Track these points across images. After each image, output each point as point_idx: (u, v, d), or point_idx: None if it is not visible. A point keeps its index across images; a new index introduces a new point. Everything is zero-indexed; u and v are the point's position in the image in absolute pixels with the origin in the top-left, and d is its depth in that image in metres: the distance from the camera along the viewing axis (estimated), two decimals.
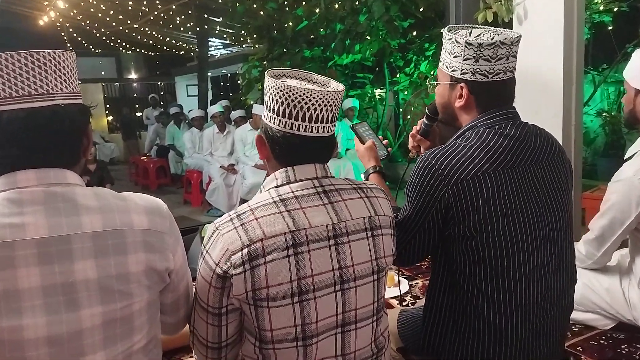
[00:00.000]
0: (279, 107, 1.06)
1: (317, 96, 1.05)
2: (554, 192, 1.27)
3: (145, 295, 0.96)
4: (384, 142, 1.66)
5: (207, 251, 1.05)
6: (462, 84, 1.28)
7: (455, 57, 1.27)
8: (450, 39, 1.27)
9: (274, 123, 1.08)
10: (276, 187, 1.07)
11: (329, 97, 1.06)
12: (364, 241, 1.08)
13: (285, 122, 1.06)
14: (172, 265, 1.02)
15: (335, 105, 1.09)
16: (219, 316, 1.07)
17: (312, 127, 1.06)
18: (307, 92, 1.04)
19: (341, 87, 1.13)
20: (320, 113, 1.07)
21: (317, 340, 1.04)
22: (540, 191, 1.25)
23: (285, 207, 1.04)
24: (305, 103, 1.05)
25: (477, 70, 1.24)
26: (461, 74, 1.26)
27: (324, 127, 1.08)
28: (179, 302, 1.13)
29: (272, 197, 1.05)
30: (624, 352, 1.82)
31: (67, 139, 0.95)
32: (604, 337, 1.92)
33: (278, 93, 1.06)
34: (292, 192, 1.06)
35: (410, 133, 1.65)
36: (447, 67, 1.31)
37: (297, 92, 1.04)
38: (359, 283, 1.07)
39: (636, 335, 1.90)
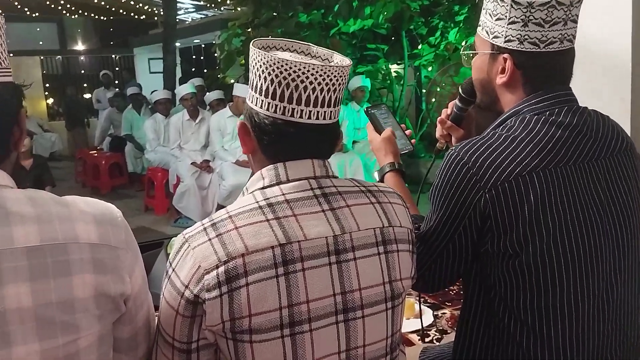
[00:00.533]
0: (267, 86, 1.06)
1: (317, 72, 1.05)
2: (620, 196, 1.26)
3: (94, 327, 0.94)
4: (407, 132, 1.66)
5: (173, 269, 1.04)
6: (505, 55, 1.26)
7: (498, 19, 1.26)
8: None
9: (261, 107, 1.08)
10: (263, 188, 1.07)
11: (332, 73, 1.06)
12: (374, 258, 1.08)
13: (276, 106, 1.06)
14: (128, 289, 1.01)
15: (340, 84, 1.09)
16: (188, 353, 1.06)
17: (311, 112, 1.06)
18: (305, 68, 1.04)
19: (347, 61, 1.12)
20: (321, 94, 1.06)
21: None
22: (603, 195, 1.24)
23: (273, 214, 1.03)
24: (302, 81, 1.04)
25: (526, 37, 1.23)
26: (505, 42, 1.25)
27: (325, 111, 1.08)
28: (137, 337, 1.12)
29: (258, 201, 1.05)
30: None
31: None
32: None
33: (267, 69, 1.05)
34: (283, 194, 1.06)
35: (439, 119, 1.64)
36: (487, 32, 1.30)
37: (291, 68, 1.04)
38: (367, 312, 1.06)
39: None
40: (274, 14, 6.97)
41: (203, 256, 1.00)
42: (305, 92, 1.05)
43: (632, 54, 2.57)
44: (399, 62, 7.30)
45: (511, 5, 1.22)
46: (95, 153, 8.26)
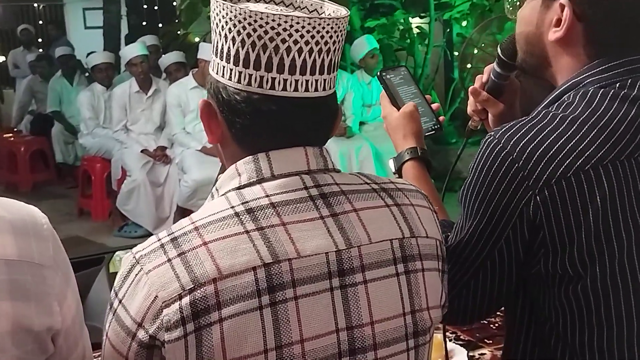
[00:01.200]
0: (237, 50, 1.05)
1: (304, 28, 1.03)
2: None
3: None
4: (434, 105, 1.66)
5: (120, 302, 1.03)
6: (563, 1, 1.24)
7: None
8: None
9: (230, 78, 1.07)
10: (239, 188, 1.06)
11: (324, 28, 1.05)
12: (391, 281, 1.07)
13: (250, 76, 1.05)
14: (57, 322, 1.01)
15: (334, 42, 1.08)
16: None
17: (297, 81, 1.05)
18: (287, 23, 1.03)
19: (343, 11, 1.10)
20: (310, 57, 1.05)
21: None
22: None
23: (255, 224, 1.02)
24: (284, 41, 1.03)
25: None
26: None
27: (317, 80, 1.07)
28: None
29: (233, 206, 1.04)
30: None
31: None
32: None
33: (235, 26, 1.04)
34: (267, 196, 1.05)
35: (471, 88, 1.63)
36: None
37: (268, 24, 1.03)
38: (381, 355, 1.06)
39: None
40: None
41: (161, 283, 0.99)
42: (288, 56, 1.04)
43: None
44: (422, 14, 7.32)
45: None
46: (11, 137, 8.26)
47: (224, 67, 1.07)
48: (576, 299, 1.21)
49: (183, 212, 5.62)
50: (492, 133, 1.24)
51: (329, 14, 1.10)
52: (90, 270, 2.66)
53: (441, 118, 1.66)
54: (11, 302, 0.95)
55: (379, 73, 1.68)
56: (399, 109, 1.59)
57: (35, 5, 15.69)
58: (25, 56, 9.87)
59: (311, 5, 1.13)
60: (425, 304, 1.11)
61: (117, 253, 2.77)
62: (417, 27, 7.52)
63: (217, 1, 1.07)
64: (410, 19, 7.43)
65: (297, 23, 1.03)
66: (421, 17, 7.43)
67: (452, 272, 1.26)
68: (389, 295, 1.07)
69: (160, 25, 11.62)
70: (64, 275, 1.04)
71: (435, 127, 1.63)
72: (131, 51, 6.41)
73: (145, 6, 13.76)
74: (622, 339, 1.21)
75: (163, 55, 6.66)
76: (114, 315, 1.03)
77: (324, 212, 1.06)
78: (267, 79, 1.04)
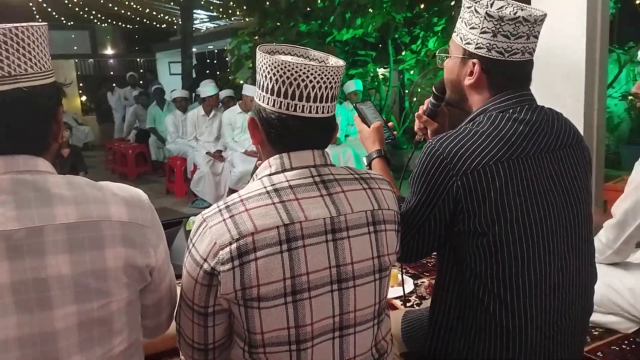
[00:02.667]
0: (273, 85, 1.05)
1: (316, 72, 1.04)
2: (571, 183, 1.27)
3: (124, 294, 0.95)
4: (389, 124, 1.65)
5: (193, 245, 1.04)
6: (474, 60, 1.27)
7: (472, 28, 1.26)
8: (469, 7, 1.26)
9: (268, 104, 1.07)
10: (269, 175, 1.07)
11: (329, 73, 1.06)
12: (365, 237, 1.08)
13: (281, 102, 1.05)
14: (153, 261, 1.01)
15: (335, 82, 1.08)
16: (205, 316, 1.07)
17: (311, 107, 1.06)
18: (305, 68, 1.04)
19: (341, 62, 1.12)
20: (319, 91, 1.06)
21: (312, 344, 1.04)
22: (557, 182, 1.25)
23: (279, 198, 1.03)
24: (303, 80, 1.04)
25: (494, 46, 1.23)
26: (475, 49, 1.26)
27: (323, 106, 1.07)
28: (161, 304, 1.12)
29: (265, 187, 1.05)
30: None
31: (34, 125, 0.94)
32: (626, 342, 1.94)
33: (272, 70, 1.05)
34: (287, 181, 1.05)
35: (416, 114, 1.63)
36: (461, 38, 1.29)
37: (293, 69, 1.03)
38: (358, 283, 1.07)
39: None
40: (278, 24, 6.91)
41: (218, 234, 1.00)
42: (306, 90, 1.05)
43: (585, 63, 2.58)
44: (385, 66, 7.27)
45: (485, 17, 1.22)
46: (123, 144, 8.22)
47: (264, 96, 1.07)
48: (483, 247, 1.21)
49: (232, 192, 5.63)
50: (431, 141, 1.24)
51: (332, 64, 1.11)
52: (174, 229, 2.68)
53: (395, 132, 1.66)
54: (124, 249, 0.95)
55: (355, 104, 1.69)
56: (369, 126, 1.59)
57: (138, 59, 15.61)
58: (131, 92, 9.83)
59: (320, 57, 1.14)
60: (386, 252, 1.11)
61: (190, 218, 2.78)
62: (382, 74, 7.48)
63: (261, 54, 1.07)
64: (377, 69, 7.39)
65: (312, 68, 1.04)
66: (385, 68, 7.38)
67: (404, 229, 1.25)
68: (363, 246, 1.07)
69: (217, 72, 11.57)
70: (158, 233, 1.04)
71: (391, 137, 1.63)
72: (206, 90, 6.28)
73: (208, 60, 13.69)
74: (512, 272, 1.21)
75: (220, 92, 6.58)
76: (189, 253, 1.05)
77: (323, 192, 1.06)
78: (292, 104, 1.05)
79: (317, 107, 1.06)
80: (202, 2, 9.97)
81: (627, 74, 6.04)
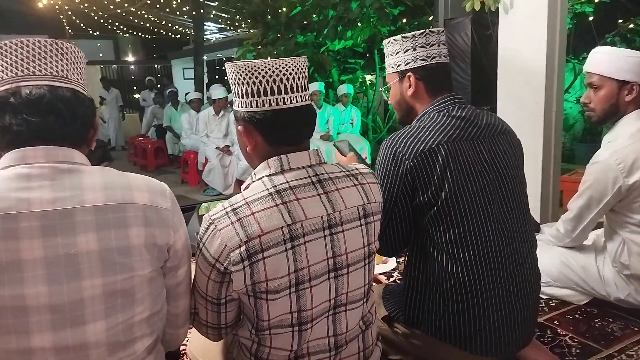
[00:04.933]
0: (257, 88, 1.02)
1: (288, 66, 1.03)
2: (501, 164, 1.35)
3: (146, 269, 0.95)
4: (363, 156, 1.71)
5: (203, 244, 1.01)
6: (409, 73, 1.40)
7: (396, 54, 1.41)
8: (388, 42, 1.43)
9: (257, 106, 1.03)
10: (269, 175, 1.03)
11: (293, 64, 1.04)
12: (357, 229, 1.07)
13: (265, 100, 1.02)
14: (171, 241, 0.99)
15: (302, 72, 1.06)
16: (218, 305, 1.06)
17: (290, 97, 1.03)
18: (273, 65, 1.02)
19: (303, 58, 1.09)
20: (295, 82, 1.04)
21: (312, 325, 1.05)
22: (489, 161, 1.33)
23: (281, 200, 1.00)
24: (277, 75, 1.02)
25: (417, 57, 1.39)
26: (405, 65, 1.40)
27: (299, 95, 1.04)
28: (179, 289, 1.08)
29: (267, 189, 1.01)
30: (597, 325, 1.86)
31: (78, 123, 0.96)
32: (579, 312, 1.96)
33: (252, 74, 1.02)
34: (287, 182, 1.02)
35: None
36: (392, 67, 1.44)
37: (271, 67, 1.02)
38: (351, 269, 1.06)
39: (609, 310, 1.94)
40: (278, 35, 6.86)
41: (228, 237, 0.97)
42: (282, 84, 1.03)
43: (546, 67, 2.58)
44: (372, 73, 7.24)
45: (401, 41, 1.40)
46: (142, 139, 8.14)
47: (250, 101, 1.05)
48: (435, 215, 1.28)
49: (238, 182, 5.61)
50: (386, 139, 1.35)
51: (293, 58, 1.06)
52: (188, 214, 2.66)
53: (368, 162, 1.70)
54: (145, 228, 0.94)
55: (333, 143, 1.75)
56: (345, 156, 1.65)
57: (155, 65, 15.49)
58: (150, 94, 9.74)
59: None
60: (374, 239, 1.11)
61: (202, 204, 2.77)
62: (369, 80, 7.44)
63: (233, 66, 1.05)
64: (365, 75, 7.36)
65: (278, 63, 1.03)
66: (371, 75, 7.35)
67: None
68: (356, 237, 1.06)
69: (225, 78, 11.50)
70: (177, 218, 1.02)
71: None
72: (217, 93, 6.19)
73: (217, 67, 13.58)
74: (459, 234, 1.28)
75: (229, 94, 6.49)
76: (200, 252, 1.02)
77: (320, 191, 1.04)
78: (275, 99, 1.03)
79: (295, 96, 1.04)
80: (212, 16, 9.88)
81: (581, 81, 6.05)
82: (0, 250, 0.83)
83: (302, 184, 1.03)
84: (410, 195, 1.29)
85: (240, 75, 1.04)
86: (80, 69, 0.99)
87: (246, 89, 1.04)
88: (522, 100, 2.57)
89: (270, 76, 1.02)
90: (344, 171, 1.10)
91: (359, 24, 6.03)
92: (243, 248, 0.96)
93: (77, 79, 0.98)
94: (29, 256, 0.84)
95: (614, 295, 1.85)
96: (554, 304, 2.02)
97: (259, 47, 6.94)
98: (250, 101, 1.04)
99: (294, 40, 6.67)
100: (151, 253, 0.96)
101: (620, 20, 5.58)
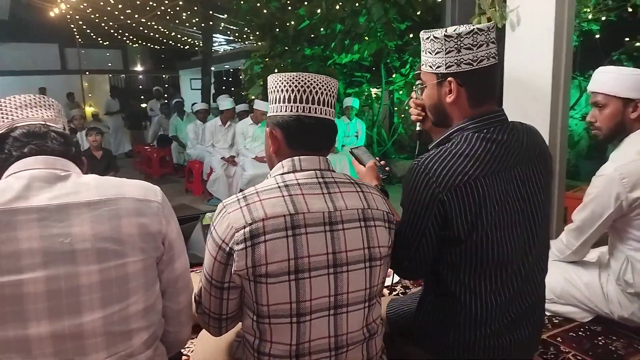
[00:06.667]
0: (289, 95, 1.13)
1: (322, 81, 1.15)
2: (535, 192, 1.28)
3: (139, 256, 0.99)
4: (382, 162, 1.60)
5: (214, 227, 1.09)
6: (450, 78, 1.23)
7: (437, 53, 1.23)
8: (427, 38, 1.24)
9: (286, 111, 1.14)
10: (282, 174, 1.11)
11: (330, 83, 1.16)
12: (357, 230, 1.10)
13: (297, 107, 1.13)
14: (164, 230, 1.05)
15: (334, 92, 1.18)
16: (221, 290, 1.10)
17: (320, 109, 1.14)
18: (314, 78, 1.14)
19: (335, 80, 1.20)
20: (325, 97, 1.15)
21: (310, 318, 1.07)
22: (522, 193, 1.25)
23: (287, 192, 1.07)
24: (314, 87, 1.13)
25: (462, 60, 1.20)
26: (447, 68, 1.22)
27: (327, 110, 1.15)
28: (178, 284, 1.13)
29: (278, 183, 1.09)
30: (600, 343, 1.85)
31: (73, 149, 1.09)
32: (582, 329, 1.95)
33: (288, 82, 1.14)
34: (297, 179, 1.10)
35: (412, 101, 1.60)
36: (430, 66, 1.26)
37: (306, 79, 1.14)
38: (351, 268, 1.09)
39: (612, 328, 1.92)
40: (286, 48, 6.94)
41: (235, 219, 1.05)
42: (316, 95, 1.14)
43: (551, 84, 2.59)
44: (378, 86, 7.28)
45: (444, 39, 1.21)
46: (148, 148, 8.19)
47: (282, 106, 1.15)
48: (462, 251, 1.22)
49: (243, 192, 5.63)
50: (416, 162, 1.23)
51: (331, 78, 1.18)
52: (192, 223, 2.66)
53: (387, 169, 1.59)
54: (137, 218, 1.00)
55: (350, 149, 1.65)
56: (364, 165, 1.56)
57: (163, 75, 15.62)
58: (157, 104, 9.82)
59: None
60: (376, 244, 1.12)
61: (207, 214, 2.77)
62: (375, 93, 7.48)
63: (276, 76, 1.17)
64: (371, 89, 7.40)
65: (319, 78, 1.16)
66: (377, 88, 7.40)
67: (403, 246, 1.24)
68: (355, 237, 1.10)
69: (232, 89, 11.58)
70: (169, 212, 1.09)
71: (386, 175, 1.57)
72: (225, 104, 6.24)
73: (224, 78, 13.69)
74: (483, 270, 1.23)
75: (237, 106, 6.53)
76: (210, 235, 1.09)
77: (325, 191, 1.10)
78: (306, 107, 1.13)
79: (324, 110, 1.14)
80: (221, 28, 9.98)
81: (586, 98, 6.06)
82: None
83: (309, 182, 1.10)
84: (440, 226, 1.21)
85: (277, 83, 1.16)
86: (63, 117, 1.14)
87: (280, 95, 1.15)
88: (528, 116, 2.59)
89: (302, 87, 1.13)
90: (349, 179, 1.17)
91: (366, 38, 6.09)
92: (247, 229, 1.03)
93: (62, 126, 1.11)
94: (26, 245, 0.90)
95: (617, 313, 1.84)
96: (557, 321, 2.01)
97: (267, 59, 7.01)
98: (282, 106, 1.15)
99: (301, 53, 6.74)
100: (145, 242, 1.01)
101: (626, 39, 5.60)
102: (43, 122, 1.07)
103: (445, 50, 1.21)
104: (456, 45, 1.20)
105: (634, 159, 1.71)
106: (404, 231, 1.25)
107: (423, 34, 1.26)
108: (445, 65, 1.23)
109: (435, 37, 1.22)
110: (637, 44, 5.43)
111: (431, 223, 1.21)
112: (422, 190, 1.19)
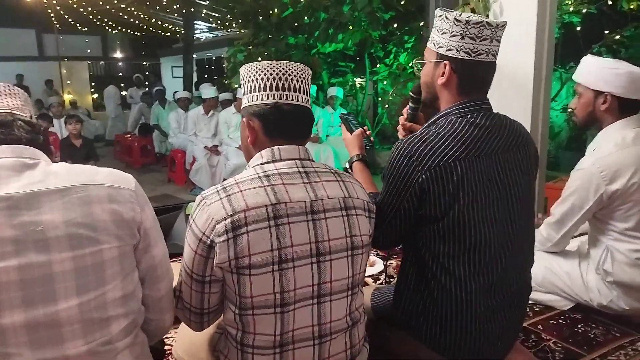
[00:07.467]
0: (264, 83, 1.12)
1: (296, 69, 1.13)
2: (516, 180, 1.29)
3: (114, 243, 0.97)
4: (367, 132, 1.66)
5: (193, 220, 1.06)
6: (446, 62, 1.27)
7: (443, 33, 1.26)
8: (440, 16, 1.27)
9: (262, 100, 1.12)
10: (261, 164, 1.09)
11: (304, 70, 1.15)
12: (339, 219, 1.10)
13: (274, 94, 1.11)
14: (138, 218, 1.03)
15: (308, 79, 1.16)
16: (202, 284, 1.08)
17: (297, 96, 1.12)
18: (289, 65, 1.13)
19: (308, 68, 1.19)
20: (300, 84, 1.13)
21: (294, 307, 1.06)
22: (502, 179, 1.27)
23: (268, 182, 1.06)
24: (289, 74, 1.12)
25: (462, 47, 1.23)
26: (446, 51, 1.26)
27: (302, 97, 1.14)
28: (158, 271, 1.11)
29: (258, 173, 1.07)
30: (580, 330, 1.89)
31: (40, 136, 1.05)
32: (562, 317, 1.99)
33: (263, 71, 1.12)
34: (277, 169, 1.08)
35: (401, 122, 1.64)
36: (434, 44, 1.30)
37: (280, 66, 1.12)
38: (334, 257, 1.09)
39: (592, 315, 1.96)
40: (269, 36, 6.87)
41: (215, 211, 1.02)
42: (292, 83, 1.12)
43: (533, 76, 2.61)
44: (362, 76, 7.28)
45: (454, 22, 1.23)
46: (129, 137, 8.04)
47: (257, 95, 1.14)
48: (439, 230, 1.25)
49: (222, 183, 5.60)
50: (400, 141, 1.26)
51: (303, 66, 1.18)
52: (175, 212, 2.64)
53: (372, 139, 1.66)
54: (109, 204, 0.98)
55: (340, 114, 1.70)
56: (352, 133, 1.60)
57: (144, 62, 15.36)
58: (137, 92, 9.65)
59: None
60: (358, 232, 1.13)
61: (190, 203, 2.74)
62: (359, 83, 7.49)
63: (249, 66, 1.16)
64: (355, 79, 7.39)
65: (293, 65, 1.14)
66: (361, 78, 7.39)
67: (378, 218, 1.26)
68: (338, 226, 1.10)
69: (215, 77, 11.44)
70: (143, 199, 1.07)
71: (369, 144, 1.63)
72: (207, 92, 6.17)
73: (206, 66, 13.53)
74: (461, 250, 1.24)
75: (220, 94, 6.46)
76: (189, 227, 1.06)
77: (305, 180, 1.09)
78: (282, 95, 1.12)
79: (298, 97, 1.13)
80: (203, 15, 9.84)
81: (567, 90, 6.14)
82: None
83: (289, 172, 1.09)
84: (415, 205, 1.24)
85: (251, 73, 1.13)
86: (30, 106, 1.12)
87: (255, 84, 1.13)
88: (509, 107, 2.60)
89: (277, 74, 1.12)
90: (328, 169, 1.16)
91: (350, 27, 6.06)
92: (228, 221, 1.00)
93: (29, 115, 1.08)
94: None
95: (596, 301, 1.88)
96: (538, 309, 2.05)
97: (250, 48, 6.93)
98: (259, 95, 1.13)
99: (284, 41, 6.68)
100: (119, 229, 0.99)
101: (606, 32, 5.68)
102: (9, 111, 1.04)
103: (451, 33, 1.24)
104: (462, 31, 1.23)
105: (612, 151, 1.74)
106: (380, 203, 1.28)
107: (438, 11, 1.28)
108: (446, 47, 1.26)
109: (447, 18, 1.24)
110: (617, 36, 5.51)
111: (407, 200, 1.24)
112: (403, 168, 1.23)
